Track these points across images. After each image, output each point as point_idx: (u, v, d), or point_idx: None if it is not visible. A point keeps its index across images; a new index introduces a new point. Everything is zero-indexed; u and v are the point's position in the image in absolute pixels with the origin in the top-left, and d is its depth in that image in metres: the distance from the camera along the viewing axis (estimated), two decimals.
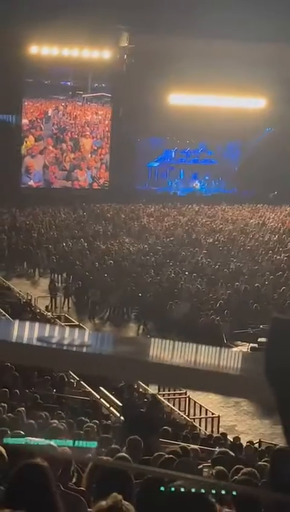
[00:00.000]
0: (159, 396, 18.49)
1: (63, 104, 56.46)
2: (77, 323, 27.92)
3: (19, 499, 3.13)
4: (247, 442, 16.31)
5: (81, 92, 56.81)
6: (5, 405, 13.74)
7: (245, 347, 26.17)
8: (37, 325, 2.14)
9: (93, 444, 4.25)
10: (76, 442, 3.58)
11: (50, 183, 56.47)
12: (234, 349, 23.23)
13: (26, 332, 2.12)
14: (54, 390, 18.32)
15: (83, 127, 57.24)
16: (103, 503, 3.38)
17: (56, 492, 3.40)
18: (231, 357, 2.15)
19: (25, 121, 55.56)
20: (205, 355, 2.12)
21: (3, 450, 6.24)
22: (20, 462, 3.78)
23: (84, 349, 1.90)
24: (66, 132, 56.81)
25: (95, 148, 57.57)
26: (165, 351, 2.11)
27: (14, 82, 52.14)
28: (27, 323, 2.18)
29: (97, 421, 14.71)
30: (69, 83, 56.52)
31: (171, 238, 40.38)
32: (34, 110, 55.82)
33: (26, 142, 55.73)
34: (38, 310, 28.51)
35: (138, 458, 8.30)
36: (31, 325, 2.14)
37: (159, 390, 21.64)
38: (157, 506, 3.02)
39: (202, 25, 48.48)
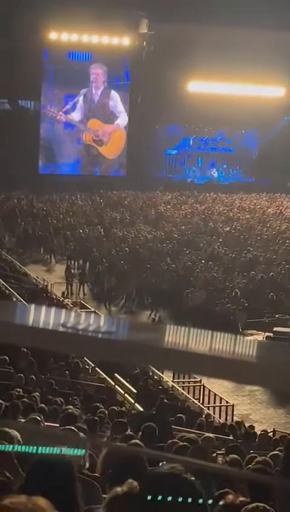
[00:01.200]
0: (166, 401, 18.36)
1: (89, 90, 56.17)
2: (93, 309, 27.99)
3: (39, 488, 3.14)
4: (261, 431, 16.31)
5: (105, 80, 56.45)
6: (21, 390, 13.82)
7: (260, 336, 26.16)
8: (53, 310, 2.15)
9: (81, 452, 4.12)
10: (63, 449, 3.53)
11: (77, 169, 56.41)
12: (249, 338, 23.23)
13: (42, 316, 2.12)
14: (69, 376, 18.39)
15: (111, 114, 56.96)
16: (118, 489, 3.40)
17: (78, 484, 3.40)
18: (247, 345, 2.15)
19: (51, 107, 55.35)
20: (220, 343, 2.12)
21: (18, 436, 6.27)
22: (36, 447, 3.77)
23: (100, 335, 1.91)
24: (93, 119, 56.44)
25: (122, 135, 57.26)
26: (181, 337, 2.11)
27: (34, 68, 52.17)
28: (43, 308, 2.19)
29: (114, 408, 14.76)
30: (95, 70, 56.06)
31: (188, 226, 40.31)
32: (60, 96, 55.54)
33: (55, 129, 55.57)
34: (54, 296, 28.59)
35: (152, 446, 8.32)
36: (48, 310, 2.15)
37: (174, 378, 21.68)
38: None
39: (221, 13, 48.25)
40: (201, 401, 21.05)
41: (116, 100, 56.96)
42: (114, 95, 56.86)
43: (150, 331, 2.19)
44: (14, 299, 25.26)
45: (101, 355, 2.09)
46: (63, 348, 2.25)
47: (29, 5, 47.51)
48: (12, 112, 54.23)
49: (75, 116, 56.19)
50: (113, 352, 1.95)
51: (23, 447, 4.08)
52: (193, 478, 2.78)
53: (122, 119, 57.29)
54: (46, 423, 9.59)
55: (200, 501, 2.56)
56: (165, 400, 17.24)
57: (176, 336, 2.12)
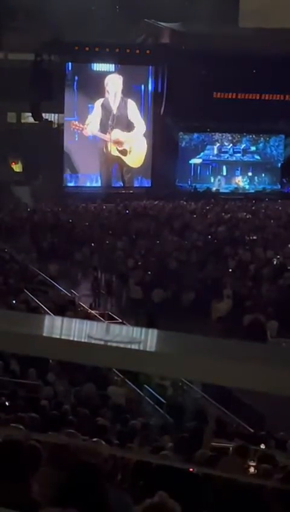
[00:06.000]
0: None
1: (107, 100, 56.15)
2: (120, 320, 27.95)
3: (72, 499, 3.13)
4: None
5: (124, 89, 56.47)
6: (48, 402, 13.83)
7: None
8: (80, 321, 2.13)
9: None
10: None
11: (102, 180, 56.45)
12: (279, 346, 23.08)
13: (70, 328, 2.11)
14: (98, 387, 18.35)
15: (129, 123, 56.82)
16: (149, 500, 3.38)
17: (108, 494, 3.41)
18: (277, 354, 2.12)
19: (75, 119, 55.40)
20: (250, 353, 2.09)
21: (39, 446, 6.26)
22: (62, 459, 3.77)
23: (130, 346, 1.89)
24: (114, 129, 56.39)
25: (143, 143, 57.18)
26: (210, 347, 2.09)
27: (57, 81, 52.58)
28: (71, 320, 2.18)
29: (143, 419, 14.74)
30: (115, 80, 56.00)
31: (214, 235, 40.22)
32: (84, 107, 55.54)
33: (78, 141, 55.59)
34: (81, 308, 28.60)
35: (182, 456, 8.29)
36: (75, 322, 2.14)
37: (203, 388, 21.57)
38: None
39: (244, 23, 48.36)
40: (231, 411, 20.91)
41: (133, 109, 56.76)
42: (131, 104, 56.66)
43: (179, 341, 2.16)
44: (42, 312, 25.30)
45: (129, 366, 2.07)
46: (92, 360, 2.24)
47: (52, 18, 47.90)
48: (37, 125, 54.57)
49: (97, 126, 56.06)
50: (141, 363, 1.93)
51: None
52: None
53: (141, 128, 57.02)
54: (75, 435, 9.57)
55: None
56: None
57: (204, 346, 2.09)
